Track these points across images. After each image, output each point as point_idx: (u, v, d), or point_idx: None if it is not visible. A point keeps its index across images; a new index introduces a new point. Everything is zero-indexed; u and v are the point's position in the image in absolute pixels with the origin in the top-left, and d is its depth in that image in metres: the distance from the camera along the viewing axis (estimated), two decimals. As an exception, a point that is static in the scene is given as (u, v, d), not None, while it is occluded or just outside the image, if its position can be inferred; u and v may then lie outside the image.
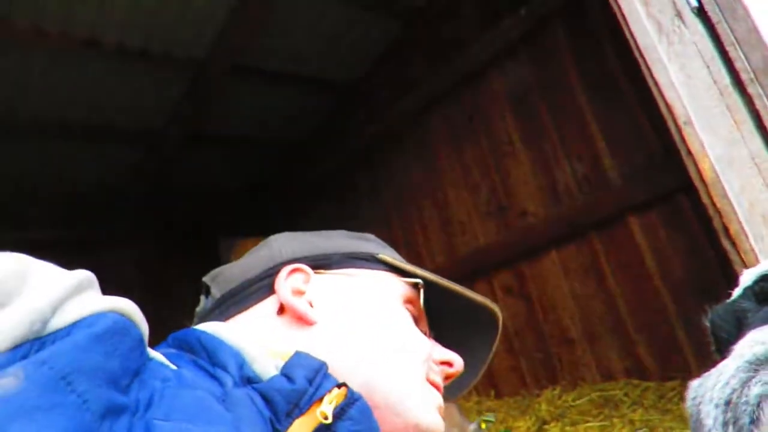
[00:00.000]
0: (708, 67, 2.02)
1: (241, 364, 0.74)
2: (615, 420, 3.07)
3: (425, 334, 0.96)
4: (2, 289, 0.52)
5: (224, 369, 0.73)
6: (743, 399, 0.57)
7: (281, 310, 0.86)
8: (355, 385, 0.79)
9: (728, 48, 2.00)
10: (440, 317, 1.02)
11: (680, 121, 1.89)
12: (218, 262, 5.27)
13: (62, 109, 4.70)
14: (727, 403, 0.58)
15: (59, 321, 0.55)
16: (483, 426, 2.33)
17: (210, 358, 0.75)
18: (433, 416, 0.85)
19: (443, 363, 0.92)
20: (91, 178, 5.78)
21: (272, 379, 0.72)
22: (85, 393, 0.52)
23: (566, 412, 3.40)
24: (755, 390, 0.56)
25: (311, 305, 0.87)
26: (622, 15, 2.09)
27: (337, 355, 0.82)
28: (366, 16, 4.60)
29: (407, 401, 0.83)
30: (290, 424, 0.69)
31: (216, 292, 0.91)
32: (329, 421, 0.70)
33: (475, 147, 4.50)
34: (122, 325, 0.60)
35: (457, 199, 4.67)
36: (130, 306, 0.63)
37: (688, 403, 0.66)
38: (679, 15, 2.04)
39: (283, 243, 0.97)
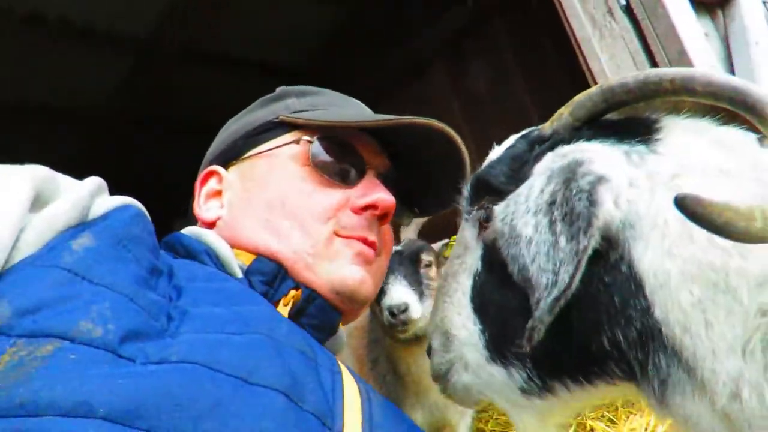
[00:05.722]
0: (633, 58, 2.31)
1: (216, 263, 0.85)
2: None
3: (359, 176, 0.95)
4: (48, 186, 0.68)
5: (203, 263, 0.84)
6: (573, 191, 0.61)
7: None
8: (271, 258, 0.87)
9: (650, 42, 2.29)
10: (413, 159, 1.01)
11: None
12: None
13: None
14: (552, 203, 0.62)
15: (96, 210, 0.71)
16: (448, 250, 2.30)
17: (189, 256, 0.86)
18: (344, 270, 0.88)
19: (367, 208, 0.92)
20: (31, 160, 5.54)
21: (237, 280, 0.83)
22: (136, 253, 0.70)
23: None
24: (586, 180, 0.61)
25: (222, 206, 0.95)
26: (562, 10, 2.34)
27: (242, 241, 0.89)
28: (313, 3, 4.68)
29: (313, 263, 0.88)
30: None
31: None
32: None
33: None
34: (143, 213, 0.78)
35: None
36: (140, 204, 0.79)
37: (497, 226, 0.70)
38: (610, 11, 2.32)
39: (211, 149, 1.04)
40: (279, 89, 1.08)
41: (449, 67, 4.52)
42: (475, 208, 0.81)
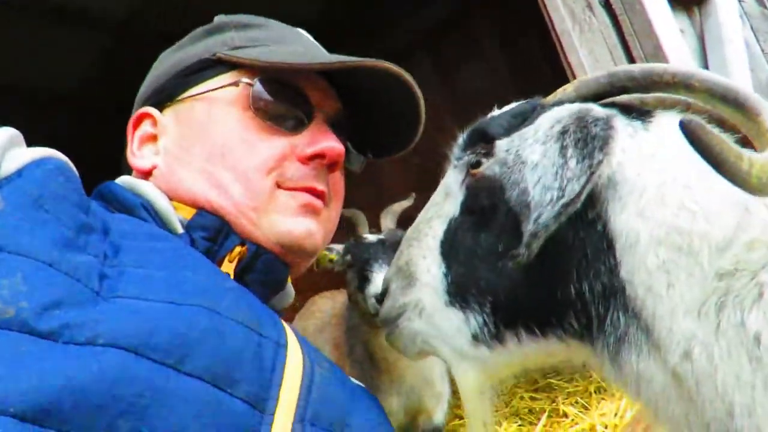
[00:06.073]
0: (611, 52, 2.35)
1: (154, 217, 0.79)
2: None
3: (307, 121, 0.87)
4: None
5: (141, 218, 0.78)
6: (589, 120, 0.66)
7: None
8: (212, 212, 0.81)
9: (627, 37, 2.34)
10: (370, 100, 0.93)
11: (587, 96, 2.21)
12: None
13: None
14: (563, 132, 0.67)
15: (8, 167, 0.64)
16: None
17: (124, 210, 0.79)
18: (289, 223, 0.83)
19: (314, 157, 0.85)
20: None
21: (179, 238, 0.78)
22: (57, 212, 0.63)
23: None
24: (601, 113, 0.66)
25: (157, 152, 0.87)
26: (543, 3, 2.38)
27: (180, 193, 0.83)
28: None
29: (256, 217, 0.82)
30: None
31: None
32: (231, 278, 0.77)
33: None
34: (66, 165, 0.71)
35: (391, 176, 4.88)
36: (63, 155, 0.71)
37: (500, 156, 0.74)
38: (589, 6, 2.36)
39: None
40: (217, 19, 0.95)
41: (431, 59, 4.54)
42: (467, 153, 0.83)
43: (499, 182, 0.73)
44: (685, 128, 0.53)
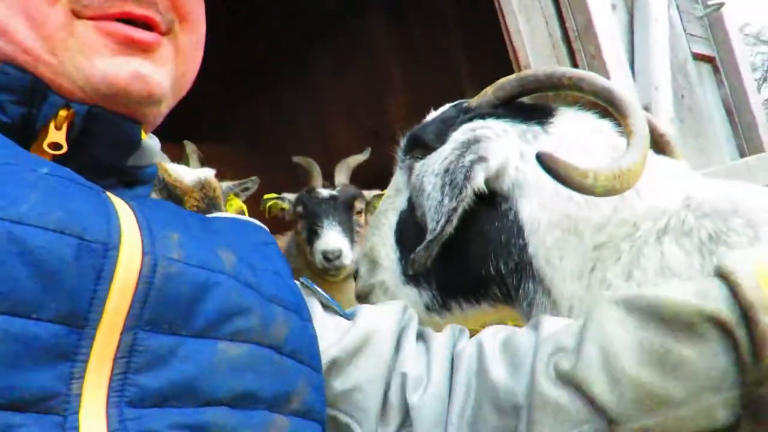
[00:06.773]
0: (547, 22, 2.51)
1: None
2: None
3: None
4: None
5: None
6: (459, 164, 0.79)
7: None
8: (11, 65, 0.61)
9: (563, 8, 2.50)
10: None
11: (522, 65, 2.37)
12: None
13: None
14: (446, 170, 0.80)
15: None
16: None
17: None
18: (101, 65, 0.62)
19: None
20: None
21: None
22: None
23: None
24: (468, 158, 0.80)
25: None
26: (484, -34, 2.48)
27: None
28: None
29: (57, 64, 0.62)
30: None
31: None
32: (64, 149, 0.61)
33: (357, 80, 4.77)
34: None
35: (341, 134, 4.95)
36: None
37: (413, 179, 0.90)
38: (529, -27, 2.48)
39: None
40: None
41: (385, 20, 4.56)
42: (408, 157, 0.98)
43: (413, 200, 0.91)
44: (539, 159, 0.69)
